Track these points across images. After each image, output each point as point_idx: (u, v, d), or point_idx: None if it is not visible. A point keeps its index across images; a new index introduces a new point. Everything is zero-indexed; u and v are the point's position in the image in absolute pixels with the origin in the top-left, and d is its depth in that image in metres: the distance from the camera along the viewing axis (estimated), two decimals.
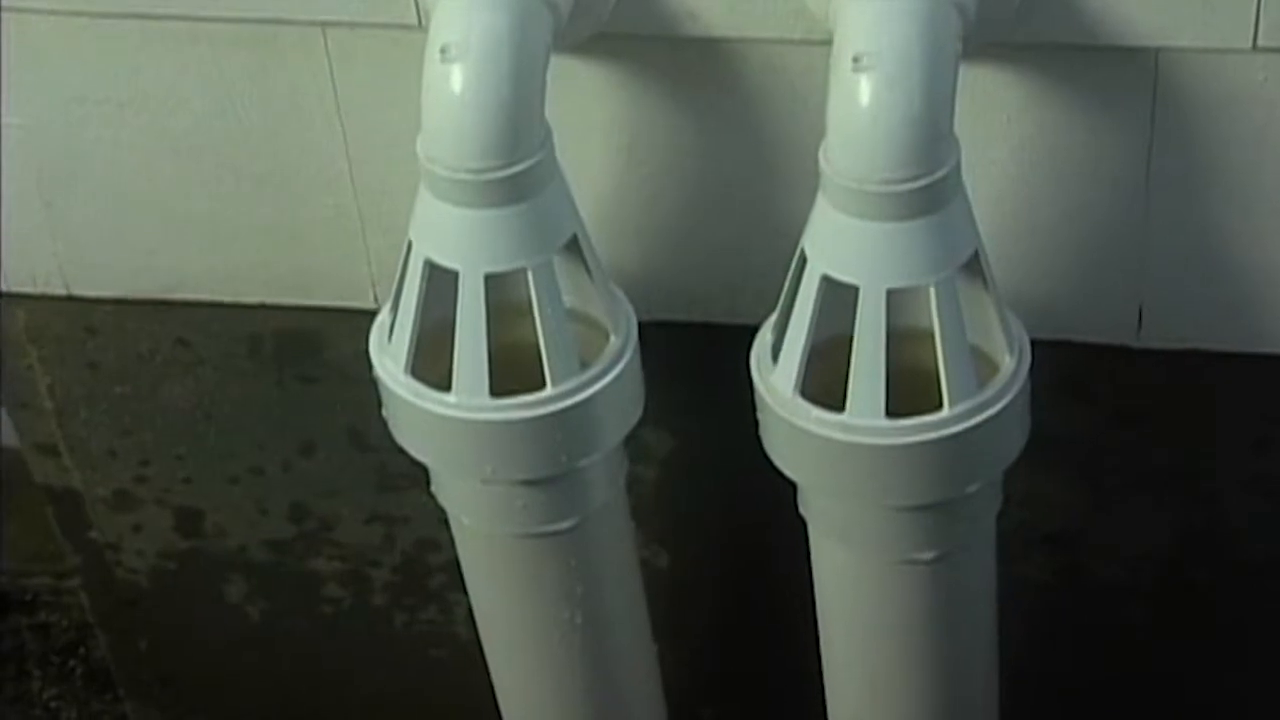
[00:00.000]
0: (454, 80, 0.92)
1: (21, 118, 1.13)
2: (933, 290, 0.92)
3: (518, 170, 0.94)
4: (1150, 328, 1.09)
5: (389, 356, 1.01)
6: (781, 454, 1.00)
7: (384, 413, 1.04)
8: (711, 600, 1.31)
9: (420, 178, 0.96)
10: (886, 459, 0.96)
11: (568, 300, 1.00)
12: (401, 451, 1.05)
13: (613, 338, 1.02)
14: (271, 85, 1.09)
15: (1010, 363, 0.98)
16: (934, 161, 0.90)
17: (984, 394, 0.96)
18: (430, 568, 1.32)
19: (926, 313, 0.93)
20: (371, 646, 1.39)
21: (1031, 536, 1.20)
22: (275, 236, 1.16)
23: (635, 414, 1.04)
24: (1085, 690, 1.30)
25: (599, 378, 1.00)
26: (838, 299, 0.93)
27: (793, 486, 1.02)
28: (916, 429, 0.95)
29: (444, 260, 0.96)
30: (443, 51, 0.92)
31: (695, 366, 1.14)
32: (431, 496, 1.08)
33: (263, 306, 1.19)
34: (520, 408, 0.99)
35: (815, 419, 0.96)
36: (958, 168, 0.91)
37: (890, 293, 0.92)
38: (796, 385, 0.96)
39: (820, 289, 0.93)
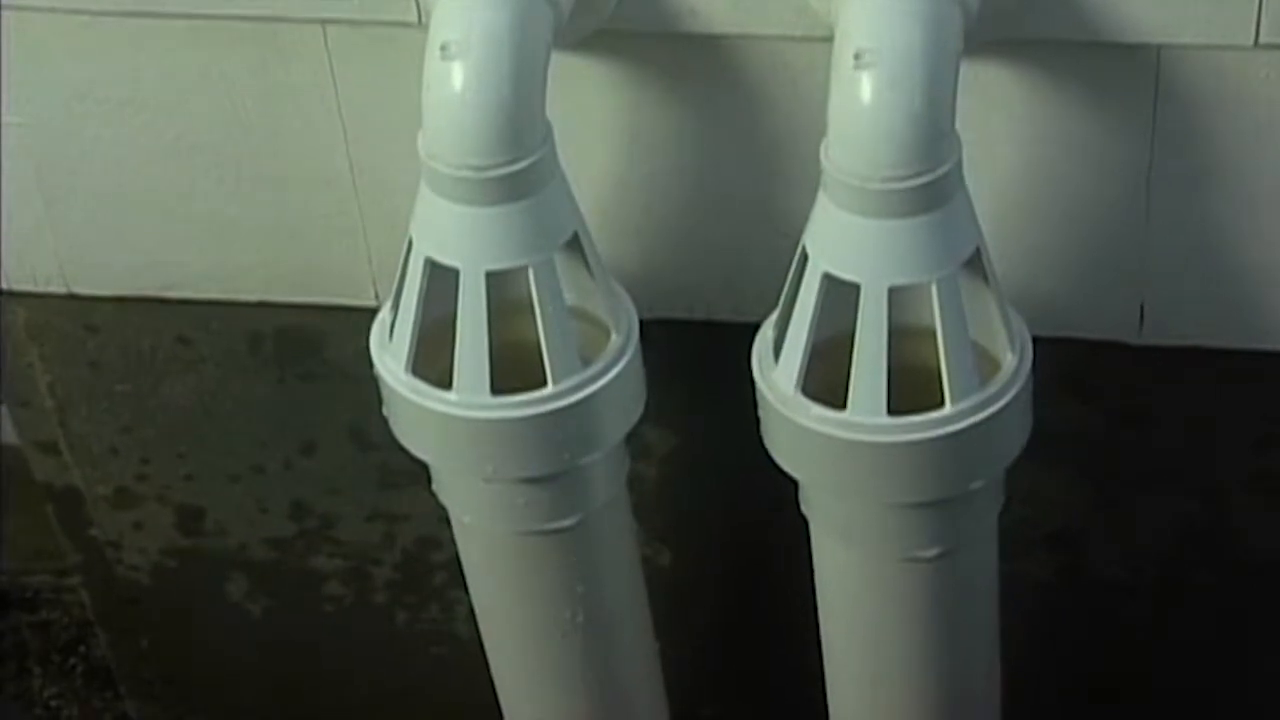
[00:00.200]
0: (454, 78, 0.92)
1: (22, 116, 1.13)
2: (934, 288, 0.92)
3: (519, 168, 0.93)
4: (1152, 325, 1.09)
5: (390, 354, 1.01)
6: (783, 452, 1.00)
7: (385, 411, 1.04)
8: (713, 598, 1.31)
9: (421, 175, 0.96)
10: (888, 457, 0.96)
11: (569, 298, 0.99)
12: (402, 450, 1.05)
13: (614, 335, 1.01)
14: (272, 83, 1.09)
15: (1012, 360, 0.98)
16: (935, 159, 0.90)
17: (986, 391, 0.96)
18: (431, 566, 1.32)
19: (928, 310, 0.93)
20: (372, 645, 1.39)
21: (1033, 534, 1.20)
22: (276, 234, 1.15)
23: (636, 412, 1.04)
24: (1086, 688, 1.30)
25: (600, 376, 1.00)
26: (839, 296, 0.93)
27: (794, 484, 1.02)
28: (918, 426, 0.95)
29: (445, 258, 0.96)
30: (443, 49, 0.92)
31: (697, 364, 1.13)
32: (432, 495, 1.08)
33: (263, 304, 1.19)
34: (521, 406, 0.99)
35: (817, 417, 0.96)
36: (959, 165, 0.91)
37: (892, 290, 0.92)
38: (798, 383, 0.96)
39: (822, 286, 0.93)
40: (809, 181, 0.93)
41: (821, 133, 0.91)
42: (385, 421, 1.05)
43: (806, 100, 1.02)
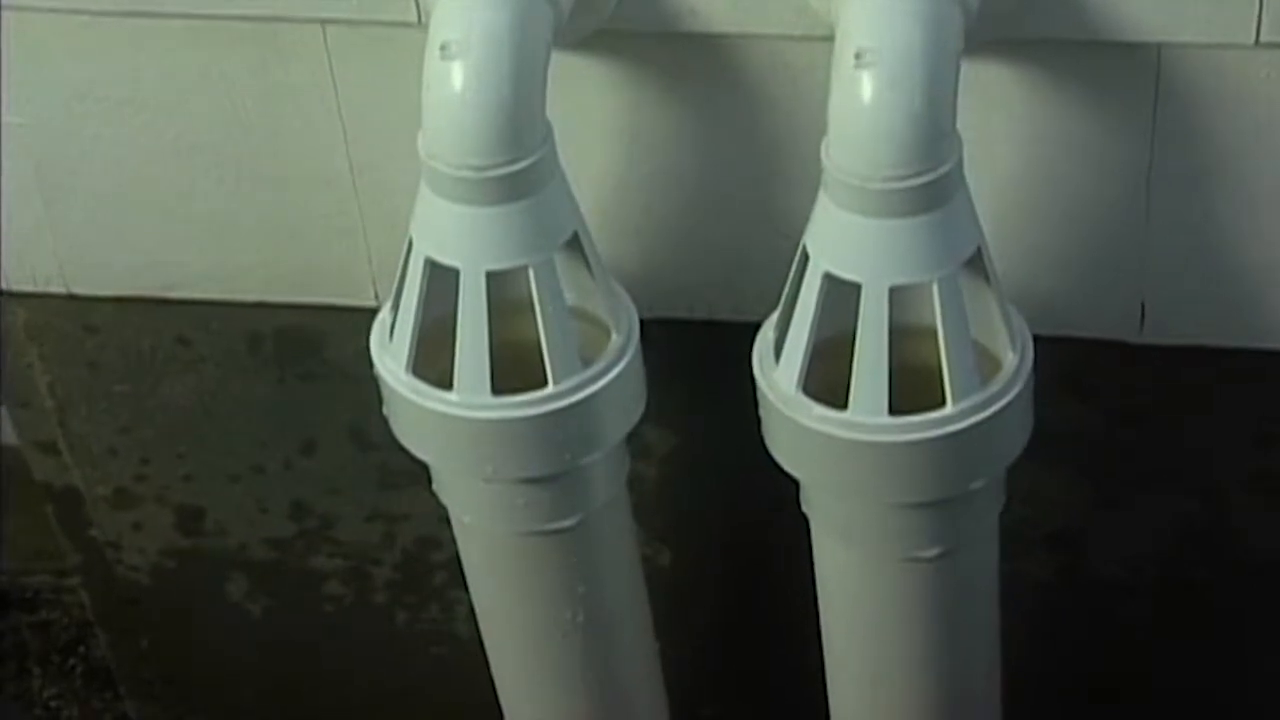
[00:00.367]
0: (454, 78, 0.92)
1: (21, 116, 1.13)
2: (935, 287, 0.92)
3: (519, 168, 0.93)
4: (1152, 324, 1.09)
5: (390, 355, 1.01)
6: (784, 451, 1.00)
7: (385, 411, 1.04)
8: (713, 598, 1.31)
9: (421, 175, 0.95)
10: (889, 456, 0.96)
11: (569, 298, 0.99)
12: (402, 450, 1.05)
13: (614, 335, 1.01)
14: (271, 83, 1.09)
15: (1013, 359, 0.98)
16: (936, 158, 0.90)
17: (987, 391, 0.96)
18: (431, 566, 1.32)
19: (929, 309, 0.93)
20: (372, 645, 1.39)
21: (1033, 534, 1.20)
22: (275, 234, 1.15)
23: (637, 412, 1.04)
24: (1086, 687, 1.30)
25: (600, 376, 1.00)
26: (840, 296, 0.93)
27: (795, 484, 1.02)
28: (919, 426, 0.95)
29: (445, 258, 0.96)
30: (443, 49, 0.92)
31: (697, 364, 1.13)
32: (433, 495, 1.08)
33: (263, 304, 1.19)
34: (522, 406, 0.99)
35: (818, 416, 0.96)
36: (960, 164, 0.91)
37: (893, 290, 0.91)
38: (799, 382, 0.96)
39: (822, 286, 0.93)
40: (809, 181, 0.93)
41: (822, 132, 0.91)
42: (385, 421, 1.05)
43: (807, 100, 1.02)
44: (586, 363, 1.00)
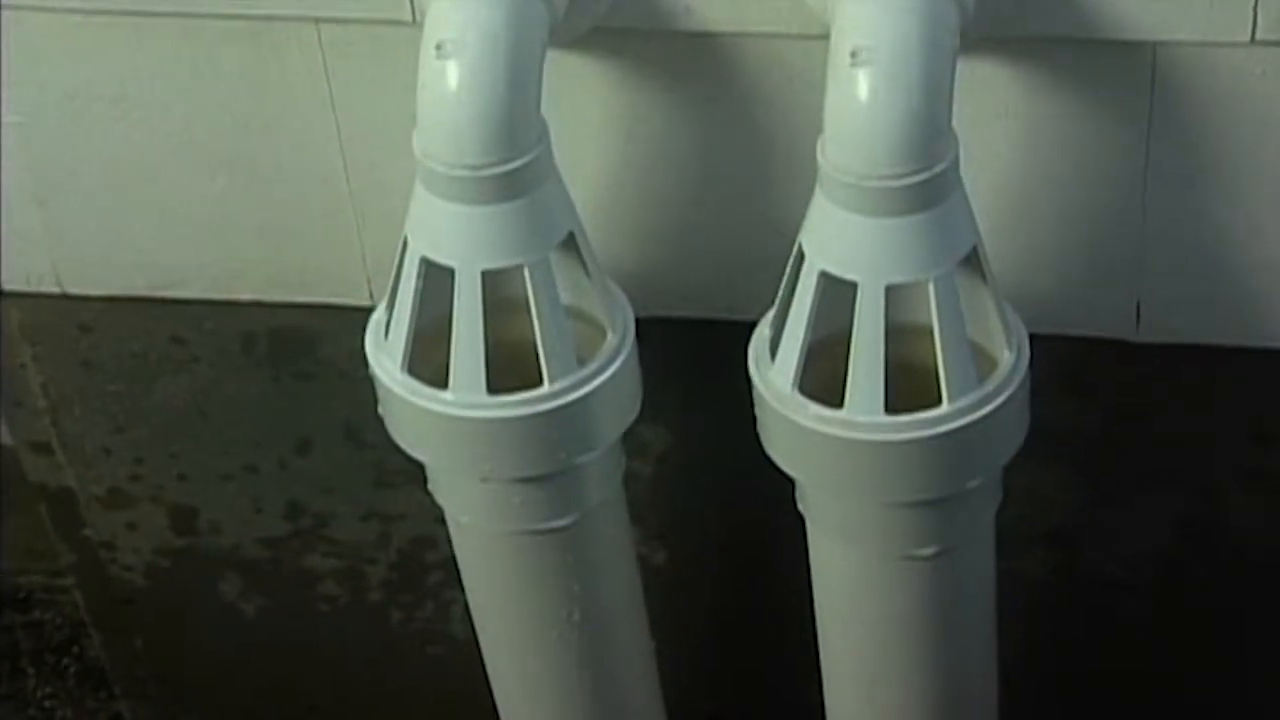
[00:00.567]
0: (449, 77, 0.92)
1: (14, 115, 1.12)
2: (931, 286, 0.92)
3: (514, 166, 0.93)
4: (1148, 322, 1.09)
5: (385, 354, 1.01)
6: (780, 450, 1.00)
7: (380, 410, 1.04)
8: (709, 597, 1.30)
9: (416, 174, 0.95)
10: (885, 455, 0.96)
11: (565, 297, 0.99)
12: (397, 449, 1.05)
13: (610, 334, 1.01)
14: (265, 81, 1.08)
15: (1009, 358, 0.97)
16: (932, 156, 0.90)
17: (983, 389, 0.96)
18: (427, 565, 1.32)
19: (925, 308, 0.92)
20: (367, 644, 1.39)
21: (1030, 532, 1.20)
22: (270, 233, 1.15)
23: (633, 411, 1.04)
24: (1083, 686, 1.30)
25: (596, 375, 1.00)
26: (836, 294, 0.93)
27: (791, 483, 1.02)
28: (915, 425, 0.94)
29: (440, 257, 0.96)
30: (438, 48, 0.92)
31: (693, 363, 1.13)
32: (428, 494, 1.08)
33: (257, 304, 1.19)
34: (517, 405, 0.98)
35: (814, 415, 0.96)
36: (956, 163, 0.91)
37: (889, 288, 0.91)
38: (795, 381, 0.96)
39: (818, 285, 0.93)
40: (805, 179, 0.93)
41: (818, 130, 0.91)
42: (380, 421, 1.04)
43: (803, 98, 1.02)
44: (582, 362, 1.00)
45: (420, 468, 1.06)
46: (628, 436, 1.05)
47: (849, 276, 0.92)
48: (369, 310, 1.04)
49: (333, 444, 1.26)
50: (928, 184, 0.90)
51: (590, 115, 1.06)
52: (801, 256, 0.94)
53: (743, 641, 1.32)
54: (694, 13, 1.00)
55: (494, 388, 0.98)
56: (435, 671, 1.39)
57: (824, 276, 0.93)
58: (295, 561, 1.34)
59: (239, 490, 1.30)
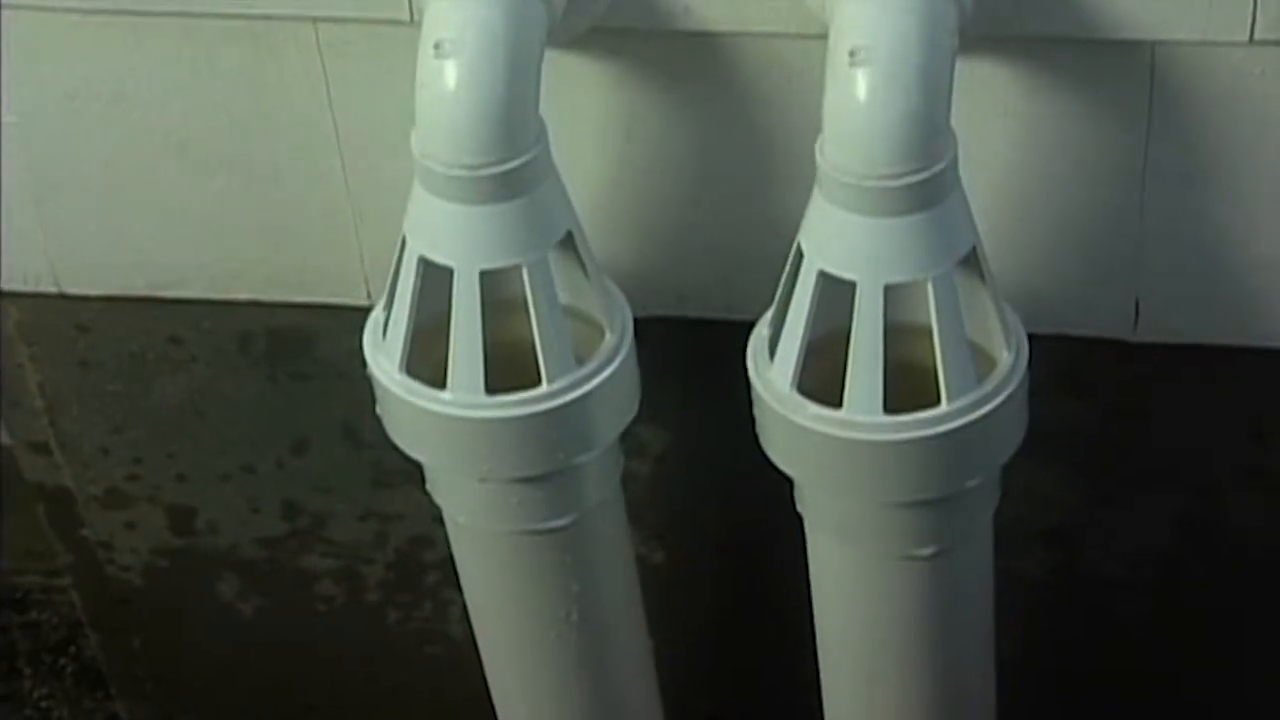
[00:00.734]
0: (448, 76, 0.92)
1: (12, 115, 1.12)
2: (930, 285, 0.92)
3: (512, 166, 0.93)
4: (1147, 322, 1.09)
5: (383, 354, 1.01)
6: (778, 450, 0.99)
7: (378, 410, 1.04)
8: (707, 597, 1.30)
9: (414, 174, 0.95)
10: (884, 455, 0.95)
11: (563, 297, 0.99)
12: (395, 449, 1.05)
13: (608, 334, 1.01)
14: (263, 81, 1.08)
15: (1008, 358, 0.97)
16: (931, 156, 0.90)
17: (982, 389, 0.96)
18: (424, 565, 1.32)
19: (924, 308, 0.92)
20: (365, 644, 1.39)
21: (1028, 531, 1.20)
22: (267, 233, 1.15)
23: (631, 410, 1.04)
24: (1082, 685, 1.30)
25: (595, 374, 1.00)
26: (835, 294, 0.93)
27: (789, 483, 1.02)
28: (914, 425, 0.94)
29: (438, 257, 0.96)
30: (436, 47, 0.92)
31: (691, 362, 1.13)
32: (426, 494, 1.08)
33: (255, 304, 1.19)
34: (516, 405, 0.98)
35: (812, 415, 0.96)
36: (955, 162, 0.91)
37: (888, 288, 0.91)
38: (793, 381, 0.96)
39: (817, 284, 0.93)
40: (804, 179, 0.93)
41: (817, 130, 0.91)
42: (378, 421, 1.04)
43: (801, 97, 1.02)
44: (580, 362, 1.00)
45: (418, 467, 1.06)
46: (626, 436, 1.05)
47: (848, 276, 0.92)
48: (367, 310, 1.04)
49: (330, 444, 1.26)
50: (926, 184, 0.90)
51: (589, 115, 1.06)
52: (800, 256, 0.94)
53: (741, 641, 1.32)
54: (693, 12, 1.00)
55: (492, 387, 0.98)
56: (433, 671, 1.38)
57: (823, 276, 0.93)
58: (293, 561, 1.34)
59: (237, 490, 1.30)
